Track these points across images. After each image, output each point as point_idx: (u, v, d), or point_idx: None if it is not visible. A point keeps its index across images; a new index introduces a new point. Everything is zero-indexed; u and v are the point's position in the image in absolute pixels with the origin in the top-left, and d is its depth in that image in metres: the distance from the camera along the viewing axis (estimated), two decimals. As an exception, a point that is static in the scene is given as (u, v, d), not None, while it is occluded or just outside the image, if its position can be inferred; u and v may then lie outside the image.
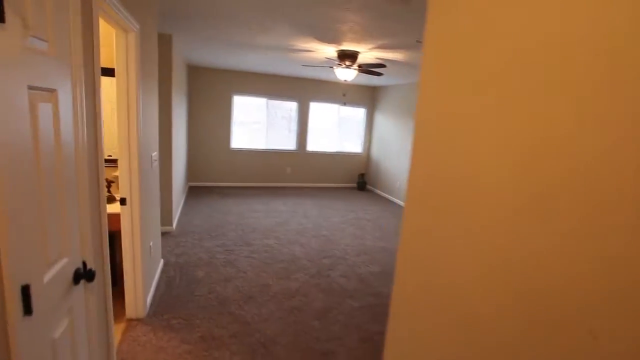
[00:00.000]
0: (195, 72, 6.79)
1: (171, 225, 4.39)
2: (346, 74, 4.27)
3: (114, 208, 2.46)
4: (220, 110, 7.09)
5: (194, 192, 6.68)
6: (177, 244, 4.05)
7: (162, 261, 3.42)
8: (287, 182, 7.91)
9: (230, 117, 7.20)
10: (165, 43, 3.98)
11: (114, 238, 2.77)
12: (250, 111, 7.45)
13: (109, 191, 2.80)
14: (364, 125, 8.38)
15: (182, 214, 5.23)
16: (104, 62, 2.76)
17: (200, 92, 6.90)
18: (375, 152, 8.17)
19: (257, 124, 7.52)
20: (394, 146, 7.33)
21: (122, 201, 2.26)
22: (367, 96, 8.19)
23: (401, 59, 4.28)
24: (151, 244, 2.80)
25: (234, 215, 5.39)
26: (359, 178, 8.23)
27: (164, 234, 4.26)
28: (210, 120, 7.07)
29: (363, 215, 5.96)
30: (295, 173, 7.93)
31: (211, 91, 6.97)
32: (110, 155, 2.90)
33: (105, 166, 3.01)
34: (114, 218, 2.38)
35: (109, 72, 2.46)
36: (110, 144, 2.73)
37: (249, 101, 7.37)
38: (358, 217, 5.83)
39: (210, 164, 7.23)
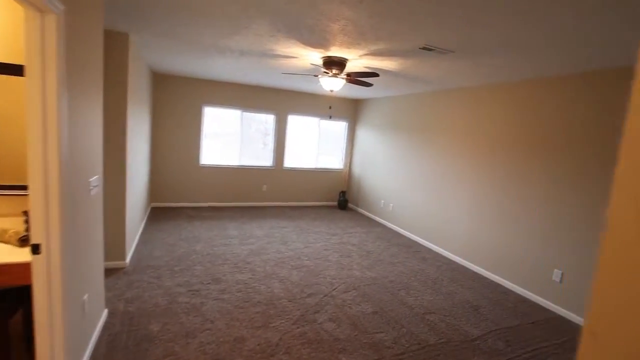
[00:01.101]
0: (161, 81, 6.11)
1: (124, 259, 3.66)
2: (333, 84, 3.79)
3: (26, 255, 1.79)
4: (188, 123, 6.42)
5: (157, 214, 5.91)
6: (130, 285, 3.32)
7: (105, 312, 2.71)
8: (263, 201, 7.27)
9: (199, 130, 6.54)
10: (119, 43, 3.35)
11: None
12: (223, 124, 6.81)
13: (26, 229, 2.11)
14: (345, 140, 7.94)
15: (141, 242, 4.48)
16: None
17: (166, 102, 6.21)
18: (357, 168, 7.72)
19: (229, 136, 6.88)
20: (377, 162, 6.90)
21: (35, 248, 1.60)
22: (349, 109, 7.77)
23: (393, 68, 3.86)
24: (85, 297, 2.12)
25: (203, 242, 4.70)
26: (340, 196, 7.73)
27: (113, 271, 3.53)
28: (178, 134, 6.38)
29: (347, 239, 5.43)
30: (272, 191, 7.32)
31: (179, 102, 6.30)
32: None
33: (23, 194, 2.34)
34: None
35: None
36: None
37: (221, 112, 6.74)
38: (342, 242, 5.29)
39: (177, 182, 6.50)
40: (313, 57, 3.66)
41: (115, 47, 3.32)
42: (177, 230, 5.14)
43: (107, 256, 3.47)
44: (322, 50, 3.37)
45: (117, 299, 3.03)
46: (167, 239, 4.72)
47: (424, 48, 2.94)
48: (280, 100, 7.05)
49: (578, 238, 3.39)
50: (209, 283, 3.50)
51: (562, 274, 3.53)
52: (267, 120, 7.14)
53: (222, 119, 6.79)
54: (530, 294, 3.83)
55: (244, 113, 6.85)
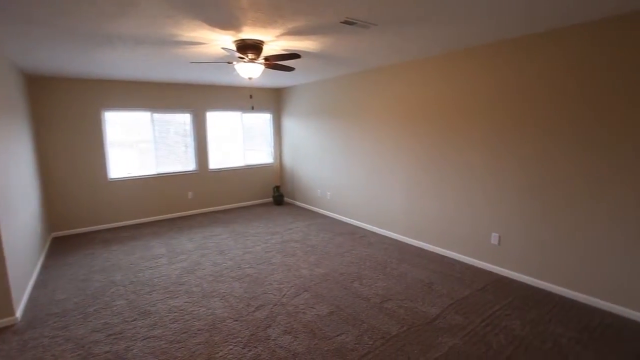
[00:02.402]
0: (41, 85, 5.03)
1: (11, 314, 2.87)
2: (250, 70, 3.38)
3: None
4: (86, 133, 5.44)
5: (61, 245, 4.94)
6: (23, 346, 2.60)
7: (-14, 395, 2.04)
8: (191, 209, 6.59)
9: (102, 140, 5.59)
10: (-44, 36, 2.52)
11: None
12: (132, 129, 5.93)
13: None
14: (272, 133, 7.54)
15: (38, 286, 3.64)
16: None
17: (53, 111, 5.16)
18: (288, 160, 7.40)
19: (143, 143, 6.03)
20: (308, 152, 6.65)
21: None
22: (272, 99, 7.37)
23: (314, 48, 3.58)
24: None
25: (123, 270, 4.00)
26: (274, 191, 7.35)
27: (-1, 332, 2.75)
28: (74, 148, 5.37)
29: (289, 237, 5.13)
30: (200, 197, 6.66)
31: (70, 109, 5.28)
32: None
33: None
34: None
35: None
36: None
37: (128, 117, 5.85)
38: (284, 240, 4.97)
39: (83, 203, 5.51)
40: (224, 41, 3.21)
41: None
42: (89, 260, 4.32)
43: (-13, 315, 2.69)
44: (233, 32, 2.94)
45: (6, 369, 2.33)
46: (77, 273, 3.92)
47: (345, 22, 2.70)
48: (195, 97, 6.37)
49: (510, 200, 3.53)
50: (134, 319, 2.93)
51: (500, 237, 3.67)
52: (185, 121, 6.41)
53: (131, 124, 5.90)
54: (474, 260, 3.94)
55: (155, 115, 6.04)
